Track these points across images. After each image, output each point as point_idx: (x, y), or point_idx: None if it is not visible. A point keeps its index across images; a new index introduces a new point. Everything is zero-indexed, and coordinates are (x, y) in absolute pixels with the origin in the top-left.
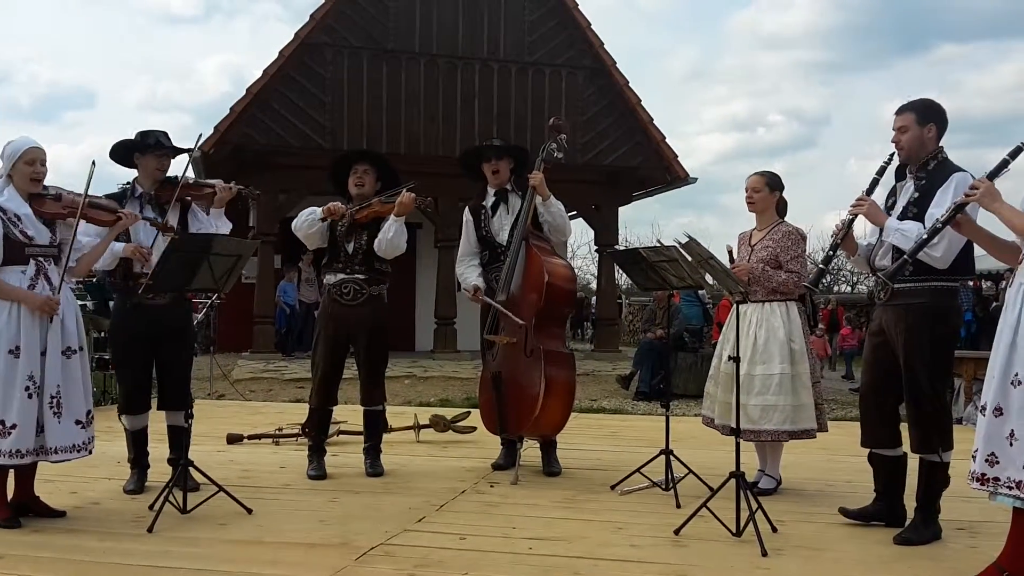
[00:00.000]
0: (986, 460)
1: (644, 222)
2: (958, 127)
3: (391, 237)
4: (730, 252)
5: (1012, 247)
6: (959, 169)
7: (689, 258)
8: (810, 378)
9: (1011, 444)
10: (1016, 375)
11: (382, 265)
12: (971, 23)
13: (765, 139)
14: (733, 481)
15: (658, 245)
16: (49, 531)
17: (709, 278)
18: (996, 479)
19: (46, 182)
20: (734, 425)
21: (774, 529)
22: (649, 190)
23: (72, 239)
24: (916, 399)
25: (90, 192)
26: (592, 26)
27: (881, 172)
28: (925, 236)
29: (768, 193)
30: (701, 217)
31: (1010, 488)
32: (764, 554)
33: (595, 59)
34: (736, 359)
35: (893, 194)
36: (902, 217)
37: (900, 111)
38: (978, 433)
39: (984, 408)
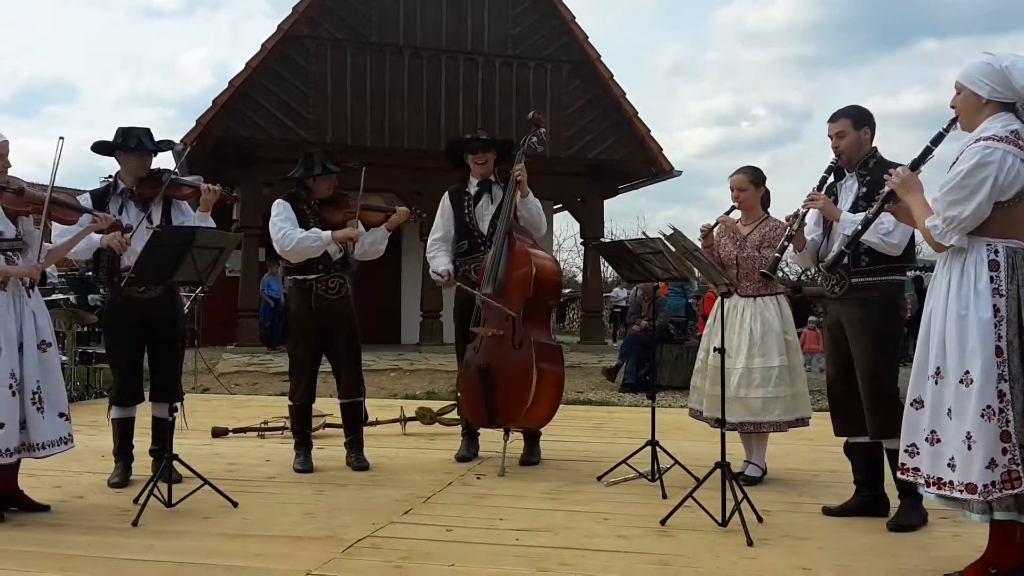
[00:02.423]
0: (906, 450)
1: (630, 215)
2: (938, 121)
3: (380, 248)
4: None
5: None
6: (898, 164)
7: (673, 249)
8: (803, 368)
9: (926, 439)
10: (929, 370)
11: (353, 262)
12: (952, 19)
13: (749, 133)
14: (719, 471)
15: (643, 237)
16: (33, 525)
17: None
18: (916, 469)
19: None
20: (732, 418)
21: (760, 519)
22: (634, 183)
23: (42, 235)
24: (876, 388)
25: (68, 188)
26: (576, 19)
27: (829, 171)
28: (859, 228)
29: (753, 190)
30: (687, 210)
31: (926, 481)
32: (750, 543)
33: (580, 53)
34: (721, 351)
35: (833, 192)
36: (853, 211)
37: (834, 118)
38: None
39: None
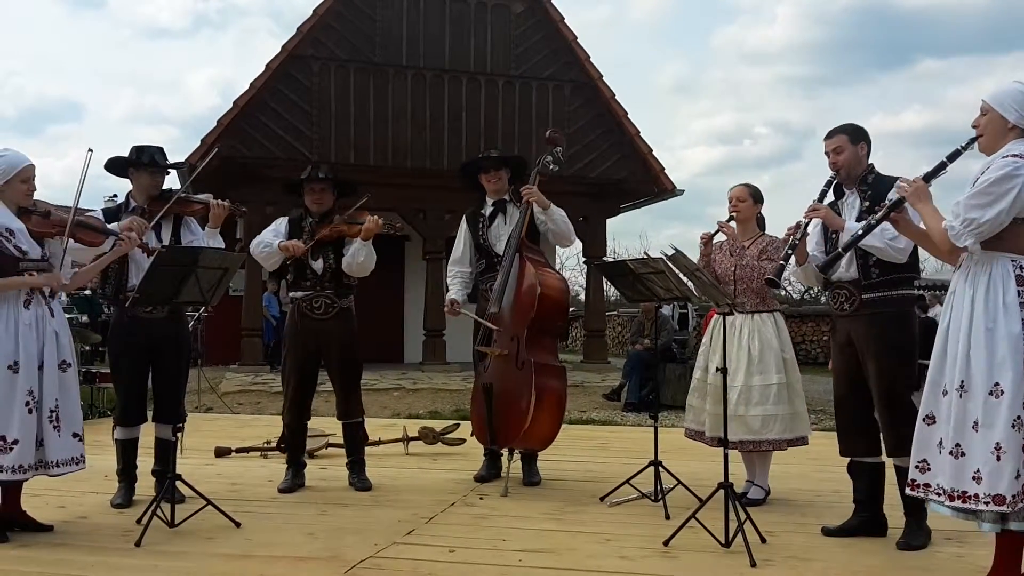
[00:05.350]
0: (917, 467)
1: (632, 233)
2: (939, 140)
3: (362, 261)
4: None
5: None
6: (898, 178)
7: (676, 270)
8: (801, 386)
9: (940, 452)
10: (944, 384)
11: (349, 280)
12: (952, 39)
13: (752, 151)
14: (722, 492)
15: (645, 257)
16: (36, 545)
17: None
18: (927, 485)
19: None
20: (730, 436)
21: (763, 539)
22: (636, 202)
23: (63, 256)
24: (891, 404)
25: (80, 206)
26: (578, 39)
27: (829, 185)
28: (860, 232)
29: (752, 204)
30: (689, 228)
31: (939, 495)
32: (753, 564)
33: (581, 73)
34: (724, 370)
35: (836, 209)
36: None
37: (831, 135)
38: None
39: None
